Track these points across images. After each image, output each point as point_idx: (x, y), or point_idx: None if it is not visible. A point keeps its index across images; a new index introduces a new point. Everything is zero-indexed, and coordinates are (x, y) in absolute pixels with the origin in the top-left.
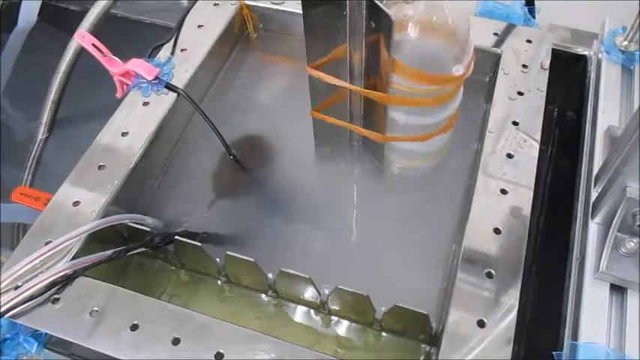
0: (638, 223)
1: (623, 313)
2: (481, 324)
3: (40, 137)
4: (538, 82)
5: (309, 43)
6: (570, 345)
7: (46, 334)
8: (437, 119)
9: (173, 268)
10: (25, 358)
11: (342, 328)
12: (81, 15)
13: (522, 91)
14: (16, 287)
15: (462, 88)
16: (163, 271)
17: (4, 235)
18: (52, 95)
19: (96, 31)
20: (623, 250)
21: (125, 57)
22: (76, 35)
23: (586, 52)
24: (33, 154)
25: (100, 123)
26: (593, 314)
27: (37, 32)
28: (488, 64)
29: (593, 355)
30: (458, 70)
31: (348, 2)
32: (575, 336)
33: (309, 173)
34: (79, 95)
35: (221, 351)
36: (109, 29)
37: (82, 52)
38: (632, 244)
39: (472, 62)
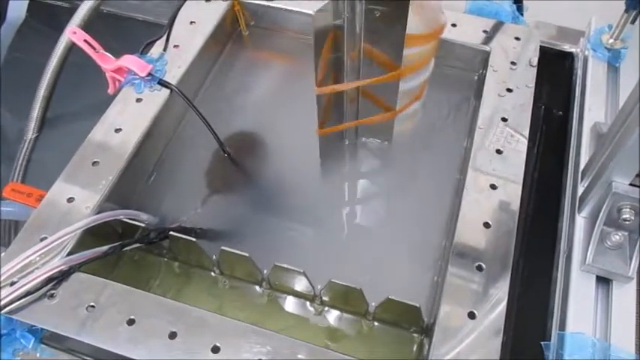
0: (623, 216)
1: (608, 304)
2: (472, 315)
3: (30, 134)
4: (526, 79)
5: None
6: (558, 335)
7: (42, 329)
8: (426, 75)
9: (166, 259)
10: (21, 353)
11: (336, 318)
12: (70, 11)
13: (511, 87)
14: (12, 283)
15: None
16: (156, 262)
17: None
18: (42, 91)
19: (86, 27)
20: (608, 243)
21: (115, 54)
22: (67, 31)
23: (573, 50)
24: (23, 152)
25: (91, 120)
26: (579, 305)
27: (26, 29)
28: (477, 61)
29: (580, 344)
30: (445, 19)
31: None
32: (562, 326)
33: (301, 170)
34: (68, 92)
35: (217, 344)
36: (99, 26)
37: (71, 48)
38: (618, 237)
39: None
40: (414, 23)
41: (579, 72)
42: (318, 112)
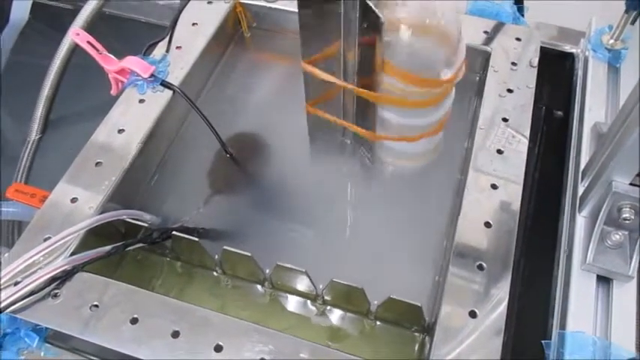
0: (623, 216)
1: (608, 303)
2: (473, 315)
3: (33, 135)
4: (527, 80)
5: (304, 39)
6: (558, 334)
7: (46, 328)
8: (428, 121)
9: (169, 259)
10: (26, 352)
11: (337, 318)
12: (73, 13)
13: (512, 88)
14: (16, 283)
15: (453, 91)
16: (159, 262)
17: None
18: (45, 92)
19: (89, 29)
20: (609, 242)
21: (118, 55)
22: (71, 33)
23: (573, 50)
24: (27, 153)
25: (93, 121)
26: (580, 304)
27: (30, 31)
28: (478, 61)
29: (581, 343)
30: (446, 74)
31: (342, 2)
32: (563, 325)
33: (303, 170)
34: (71, 94)
35: (220, 343)
36: (102, 27)
37: (74, 50)
38: (618, 236)
39: (463, 65)
40: (435, 61)
41: (580, 72)
42: (305, 88)
